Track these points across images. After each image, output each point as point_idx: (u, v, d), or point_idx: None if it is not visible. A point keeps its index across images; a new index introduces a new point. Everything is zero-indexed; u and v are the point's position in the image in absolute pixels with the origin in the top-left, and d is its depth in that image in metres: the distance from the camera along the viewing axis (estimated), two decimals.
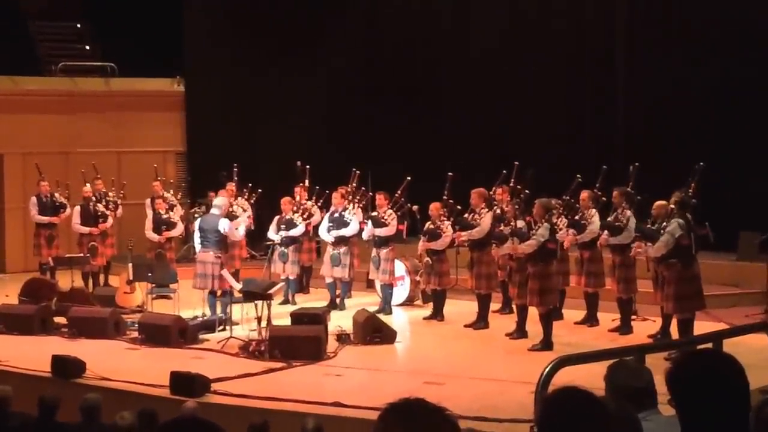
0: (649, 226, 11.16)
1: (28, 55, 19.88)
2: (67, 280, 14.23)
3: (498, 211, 12.94)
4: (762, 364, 8.12)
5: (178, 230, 15.74)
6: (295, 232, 14.54)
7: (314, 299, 14.74)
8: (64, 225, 16.07)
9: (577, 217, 12.46)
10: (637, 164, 12.48)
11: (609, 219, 12.04)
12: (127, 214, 16.40)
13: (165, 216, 15.41)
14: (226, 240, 13.05)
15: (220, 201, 13.14)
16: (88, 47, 20.75)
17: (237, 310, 12.51)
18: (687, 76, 15.76)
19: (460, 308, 13.65)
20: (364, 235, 14.10)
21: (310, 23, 19.54)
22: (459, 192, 13.38)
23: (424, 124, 18.53)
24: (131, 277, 13.84)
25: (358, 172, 15.11)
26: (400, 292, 14.28)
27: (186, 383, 9.32)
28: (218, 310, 12.76)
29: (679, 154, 14.67)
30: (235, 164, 16.15)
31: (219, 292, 12.84)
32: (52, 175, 16.42)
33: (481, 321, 12.70)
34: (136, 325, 12.26)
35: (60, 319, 12.77)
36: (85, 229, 15.52)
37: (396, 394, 2.63)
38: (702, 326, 10.88)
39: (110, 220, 15.72)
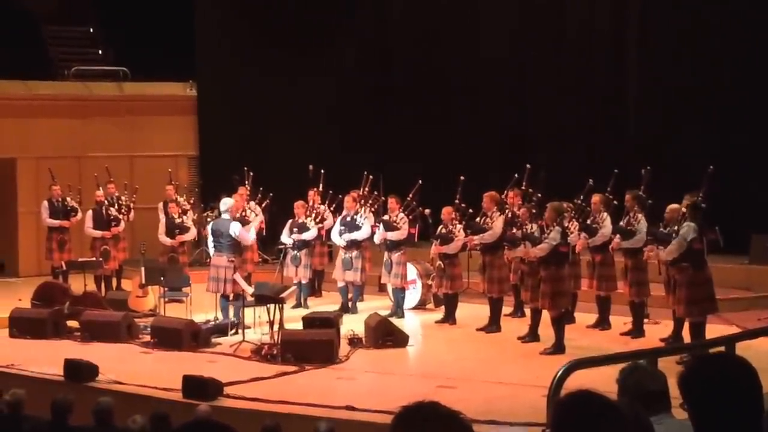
0: (661, 229, 11.14)
1: (40, 59, 19.97)
2: (79, 284, 14.27)
3: (509, 214, 12.94)
4: None
5: (191, 234, 15.78)
6: (308, 235, 14.56)
7: (326, 303, 14.75)
8: (76, 229, 16.12)
9: (588, 221, 12.45)
10: (648, 168, 12.46)
11: (621, 223, 12.02)
12: (140, 218, 16.43)
13: (178, 220, 15.45)
14: (240, 243, 13.06)
15: (226, 204, 13.12)
16: (100, 51, 20.84)
17: (249, 314, 12.52)
18: (698, 79, 15.73)
19: (472, 312, 13.64)
20: (376, 239, 14.10)
21: (321, 26, 19.57)
22: (471, 196, 13.37)
23: (436, 127, 18.52)
24: (144, 281, 13.87)
25: (370, 176, 15.13)
26: (412, 296, 14.28)
27: (198, 387, 9.33)
28: (231, 313, 12.77)
29: (690, 158, 14.63)
30: (248, 168, 16.19)
31: (231, 296, 12.86)
32: (65, 180, 16.46)
33: (493, 324, 12.69)
34: (149, 329, 12.28)
35: (73, 323, 12.81)
36: (98, 233, 15.56)
37: (408, 397, 2.64)
38: (714, 330, 10.86)
39: (123, 224, 15.75)
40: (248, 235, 13.32)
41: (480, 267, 13.02)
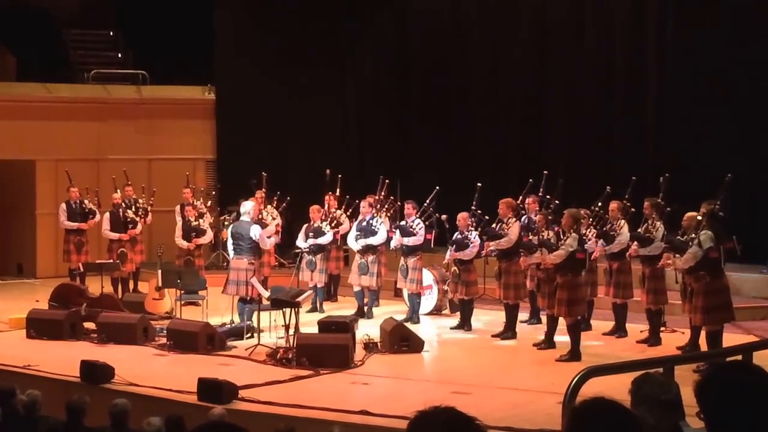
0: (678, 237, 11.10)
1: (60, 62, 20.09)
2: (96, 286, 14.32)
3: (526, 220, 12.92)
4: None
5: (208, 237, 15.80)
6: (323, 240, 14.56)
7: (342, 307, 14.76)
8: (93, 231, 16.18)
9: (606, 228, 12.42)
10: (667, 175, 12.43)
11: (639, 230, 11.99)
12: (157, 221, 16.47)
13: (194, 223, 15.47)
14: (260, 246, 13.09)
15: (247, 206, 13.16)
16: (120, 55, 20.94)
17: (265, 318, 12.54)
18: (718, 87, 15.65)
19: (488, 318, 13.64)
20: (392, 244, 14.11)
21: (340, 32, 19.61)
22: (488, 202, 13.35)
23: (453, 133, 18.53)
24: (160, 284, 13.90)
25: (387, 181, 15.13)
26: (428, 301, 14.27)
27: (213, 390, 9.34)
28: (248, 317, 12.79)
29: (708, 166, 14.57)
30: (265, 172, 16.22)
31: (248, 299, 12.86)
32: (83, 182, 16.53)
33: (508, 331, 12.67)
34: (165, 331, 12.32)
35: (89, 325, 12.85)
36: (115, 236, 15.61)
37: (423, 403, 2.64)
38: (731, 338, 10.82)
39: (139, 227, 15.80)
40: (267, 240, 13.36)
41: (496, 273, 13.01)
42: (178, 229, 15.50)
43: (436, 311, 14.35)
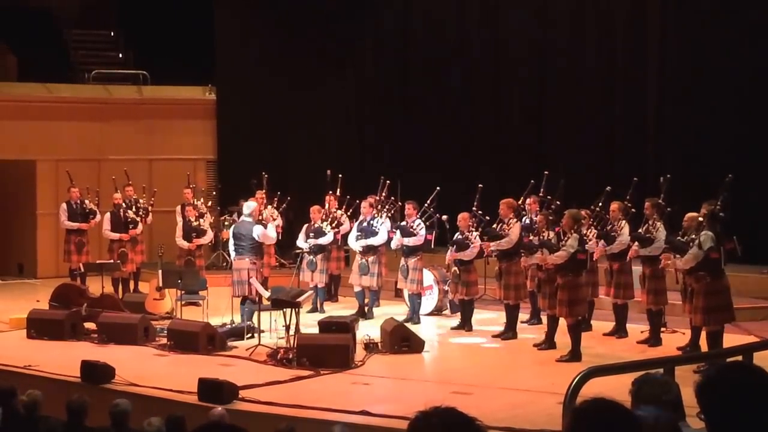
0: (679, 238, 11.09)
1: (61, 62, 20.10)
2: (97, 286, 14.32)
3: (527, 221, 12.92)
4: None
5: (208, 238, 15.80)
6: (324, 240, 14.57)
7: (342, 308, 14.76)
8: (94, 231, 16.18)
9: (606, 229, 12.42)
10: (668, 176, 12.43)
11: (640, 230, 11.99)
12: (158, 221, 16.48)
13: (195, 223, 15.48)
14: (262, 246, 13.08)
15: (249, 206, 13.16)
16: (121, 55, 20.96)
17: (266, 318, 12.54)
18: (716, 87, 15.65)
19: (489, 318, 13.64)
20: (393, 245, 14.11)
21: (342, 32, 19.61)
22: (488, 202, 13.35)
23: (454, 133, 18.52)
24: (161, 284, 13.90)
25: (387, 181, 15.13)
26: (429, 302, 14.26)
27: (214, 390, 9.34)
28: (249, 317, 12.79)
29: (708, 166, 14.58)
30: (265, 172, 16.22)
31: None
32: (83, 182, 16.53)
33: (509, 331, 12.67)
34: (165, 332, 12.32)
35: (90, 325, 12.85)
36: (115, 236, 15.61)
37: (423, 403, 2.64)
38: (732, 339, 10.81)
39: (140, 227, 15.79)
40: (270, 234, 13.30)
41: (496, 274, 13.01)
42: (178, 229, 15.50)
43: (437, 312, 14.35)
